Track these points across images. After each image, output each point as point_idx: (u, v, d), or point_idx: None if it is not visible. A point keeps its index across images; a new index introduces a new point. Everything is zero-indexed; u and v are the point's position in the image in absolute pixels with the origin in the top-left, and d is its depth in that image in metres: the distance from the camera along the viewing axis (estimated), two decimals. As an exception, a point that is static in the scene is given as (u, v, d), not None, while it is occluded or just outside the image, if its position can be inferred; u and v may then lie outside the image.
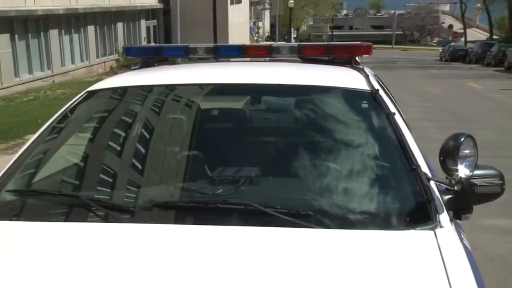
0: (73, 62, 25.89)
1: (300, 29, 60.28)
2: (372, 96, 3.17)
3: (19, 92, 20.24)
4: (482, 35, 78.30)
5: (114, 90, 3.55)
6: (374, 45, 4.16)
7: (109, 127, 3.43)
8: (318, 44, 3.96)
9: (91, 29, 27.20)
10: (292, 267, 2.07)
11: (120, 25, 30.34)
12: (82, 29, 26.54)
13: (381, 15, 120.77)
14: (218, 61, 4.27)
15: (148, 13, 33.88)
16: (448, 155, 2.51)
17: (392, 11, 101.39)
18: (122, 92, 3.55)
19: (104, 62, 28.57)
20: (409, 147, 2.74)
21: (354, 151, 2.91)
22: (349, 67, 3.75)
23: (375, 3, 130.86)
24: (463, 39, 69.82)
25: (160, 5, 34.90)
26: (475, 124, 13.18)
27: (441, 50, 59.78)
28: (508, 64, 35.65)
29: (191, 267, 2.06)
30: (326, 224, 2.39)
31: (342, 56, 3.93)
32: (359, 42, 3.86)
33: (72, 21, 25.49)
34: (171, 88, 3.53)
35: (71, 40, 25.66)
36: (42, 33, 23.05)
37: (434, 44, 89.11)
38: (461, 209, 2.63)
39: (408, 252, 2.20)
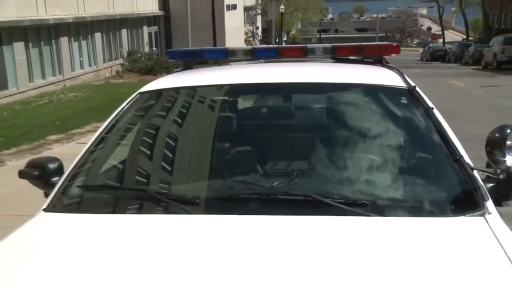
0: (82, 67, 25.89)
1: (290, 32, 60.30)
2: (409, 92, 3.19)
3: (34, 96, 20.25)
4: (458, 36, 78.62)
5: (163, 90, 3.58)
6: None
7: (162, 125, 3.41)
8: (350, 44, 3.93)
9: (98, 36, 27.19)
10: (359, 254, 2.05)
11: (124, 32, 30.33)
12: (89, 36, 26.54)
13: (364, 19, 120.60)
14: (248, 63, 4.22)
15: (150, 19, 33.86)
16: (495, 145, 2.53)
17: (375, 15, 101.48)
18: (171, 92, 3.58)
19: (111, 66, 28.54)
20: (450, 138, 2.76)
21: (399, 144, 2.91)
22: (380, 66, 3.75)
23: (359, 7, 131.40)
24: (441, 40, 70.07)
25: (161, 12, 34.89)
26: (462, 119, 13.21)
27: (421, 51, 59.95)
28: (485, 63, 35.68)
29: (268, 255, 2.05)
30: (382, 213, 2.39)
31: (372, 56, 3.93)
32: (387, 42, 3.94)
33: (80, 28, 25.49)
34: (216, 87, 3.53)
35: (79, 47, 25.66)
36: (53, 41, 23.05)
37: (414, 45, 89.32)
38: (502, 196, 2.63)
39: (463, 237, 2.21)
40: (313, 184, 2.78)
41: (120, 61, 29.70)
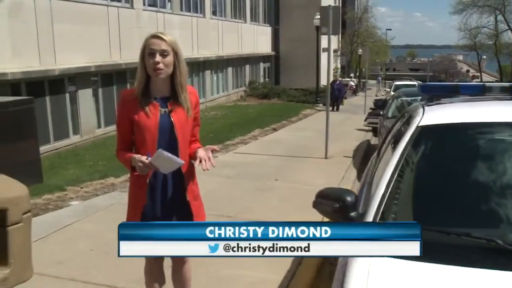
0: (217, 92, 25.92)
1: (362, 70, 59.16)
2: None
3: (187, 113, 20.36)
4: (489, 78, 75.18)
5: (449, 125, 2.66)
6: None
7: (455, 160, 2.50)
8: None
9: (230, 69, 27.19)
10: None
11: (247, 67, 30.19)
12: (224, 70, 26.55)
13: (415, 61, 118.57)
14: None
15: (265, 58, 33.65)
16: None
17: (423, 59, 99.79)
18: (455, 127, 2.64)
19: (237, 92, 28.45)
20: None
21: None
22: None
23: (411, 52, 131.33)
24: (478, 79, 67.23)
25: (273, 53, 34.66)
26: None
27: (463, 88, 57.59)
28: None
29: None
30: None
31: None
32: None
33: (219, 64, 25.53)
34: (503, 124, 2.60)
35: (217, 77, 25.73)
36: (200, 73, 23.21)
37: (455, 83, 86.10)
38: None
39: None
40: None
41: (243, 88, 29.54)
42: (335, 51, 46.09)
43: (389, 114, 10.29)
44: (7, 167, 6.97)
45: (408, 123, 2.98)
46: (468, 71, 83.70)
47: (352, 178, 8.51)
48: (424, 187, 2.41)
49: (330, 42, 9.65)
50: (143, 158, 2.67)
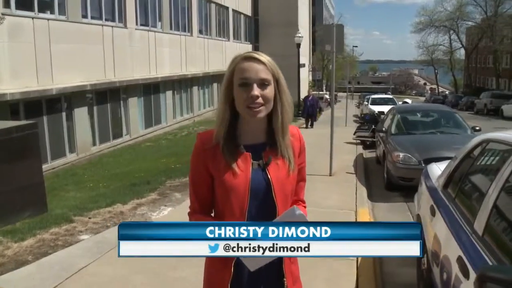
0: (204, 107, 25.00)
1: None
2: None
3: (176, 129, 19.42)
4: (443, 90, 76.27)
5: None
6: None
7: None
8: None
9: (215, 85, 26.14)
10: None
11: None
12: (210, 85, 25.62)
13: (377, 75, 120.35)
14: None
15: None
16: None
17: (383, 73, 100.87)
18: None
19: (221, 106, 27.53)
20: None
21: None
22: None
23: (373, 67, 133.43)
24: (435, 91, 67.99)
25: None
26: None
27: (424, 98, 57.87)
28: (477, 110, 34.44)
29: None
30: None
31: None
32: None
33: (205, 80, 24.64)
34: None
35: (203, 93, 24.83)
36: (188, 89, 22.23)
37: (413, 94, 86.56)
38: None
39: None
40: None
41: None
42: (305, 65, 45.94)
43: (392, 131, 9.57)
44: (12, 192, 5.98)
45: None
46: (425, 83, 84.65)
47: (365, 196, 7.74)
48: None
49: (334, 59, 8.88)
50: None
